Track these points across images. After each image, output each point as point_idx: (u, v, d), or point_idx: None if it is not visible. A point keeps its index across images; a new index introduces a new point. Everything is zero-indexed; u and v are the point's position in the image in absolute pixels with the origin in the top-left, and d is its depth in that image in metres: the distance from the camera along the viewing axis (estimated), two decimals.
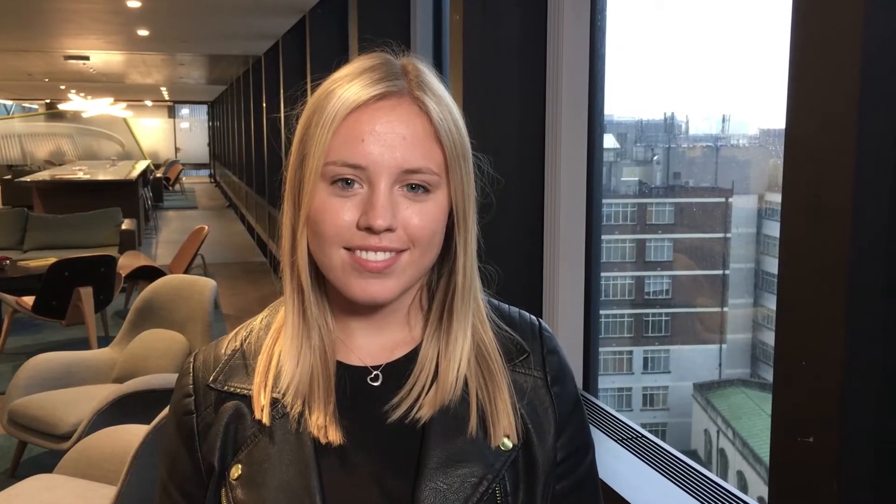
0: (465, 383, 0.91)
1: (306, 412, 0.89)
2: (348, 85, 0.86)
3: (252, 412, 0.90)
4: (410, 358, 0.93)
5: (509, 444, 0.90)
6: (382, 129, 0.85)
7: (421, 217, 0.86)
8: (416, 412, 0.89)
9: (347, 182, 0.85)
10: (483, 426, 0.90)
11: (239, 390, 0.92)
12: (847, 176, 1.16)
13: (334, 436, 0.87)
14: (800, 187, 1.25)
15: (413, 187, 0.86)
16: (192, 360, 0.98)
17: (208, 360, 0.96)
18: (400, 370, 0.92)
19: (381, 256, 0.85)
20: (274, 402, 0.90)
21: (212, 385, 0.93)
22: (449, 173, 0.88)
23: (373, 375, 0.93)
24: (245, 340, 0.96)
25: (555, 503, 0.94)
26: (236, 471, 0.89)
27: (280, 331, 0.93)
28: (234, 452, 0.90)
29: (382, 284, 0.86)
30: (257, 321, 0.97)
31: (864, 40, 1.15)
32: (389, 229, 0.84)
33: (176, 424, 0.96)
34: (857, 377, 1.18)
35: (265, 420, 0.89)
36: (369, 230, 0.84)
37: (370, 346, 0.94)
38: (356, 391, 0.91)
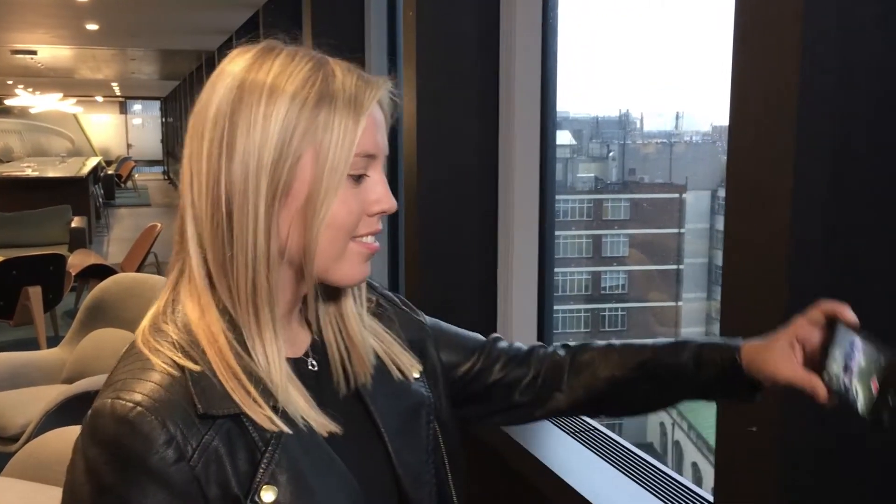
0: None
1: (300, 412, 0.86)
2: (344, 75, 0.86)
3: (247, 429, 0.82)
4: (317, 335, 0.96)
5: (417, 373, 1.01)
6: (379, 117, 0.89)
7: None
8: (354, 380, 0.95)
9: (358, 175, 0.87)
10: (398, 369, 0.99)
11: (226, 412, 0.81)
12: (787, 173, 1.19)
13: (332, 426, 0.87)
14: (742, 183, 1.28)
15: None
16: (134, 407, 0.79)
17: (160, 399, 0.80)
18: (319, 350, 0.95)
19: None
20: (273, 410, 0.83)
21: (200, 415, 0.80)
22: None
23: (311, 362, 0.94)
24: (178, 367, 0.82)
25: (465, 387, 1.09)
26: (270, 492, 0.81)
27: (214, 341, 0.84)
28: (250, 476, 0.81)
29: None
30: (171, 349, 0.84)
31: (803, 40, 1.18)
32: None
33: (161, 484, 0.78)
34: None
35: (284, 429, 0.83)
36: (380, 215, 0.89)
37: (295, 336, 0.94)
38: (305, 380, 0.90)
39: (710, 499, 1.83)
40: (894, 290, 1.27)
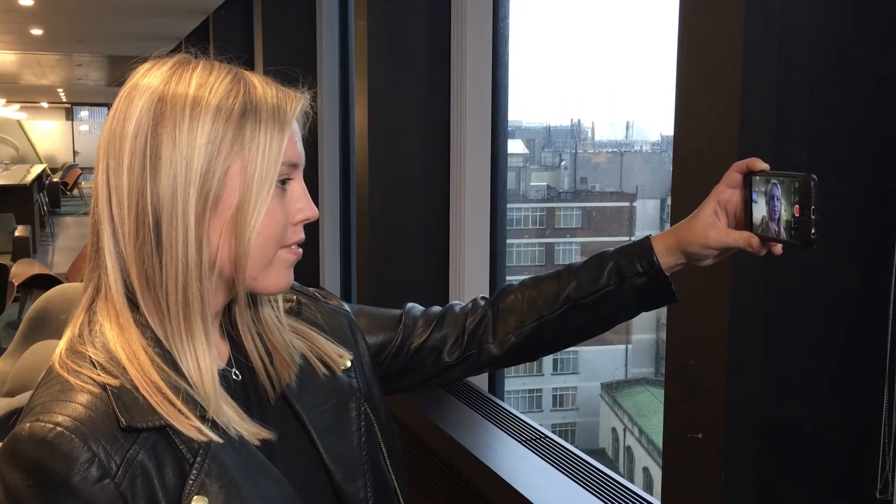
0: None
1: (230, 422, 0.85)
2: (263, 87, 0.88)
3: (174, 442, 0.81)
4: (237, 344, 0.95)
5: (348, 362, 1.01)
6: (296, 127, 0.90)
7: None
8: (279, 384, 0.94)
9: (283, 182, 0.88)
10: (324, 364, 0.98)
11: (151, 424, 0.80)
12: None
13: (265, 433, 0.87)
14: (687, 192, 1.30)
15: None
16: (53, 428, 0.77)
17: (81, 418, 0.78)
18: (240, 359, 0.95)
19: None
20: (202, 420, 0.82)
21: (124, 429, 0.78)
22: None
23: (234, 372, 0.93)
24: (98, 385, 0.81)
25: (394, 361, 1.10)
26: (200, 503, 0.80)
27: (135, 358, 0.83)
28: (179, 489, 0.80)
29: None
30: (91, 368, 0.83)
31: (744, 54, 1.20)
32: None
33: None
34: (741, 375, 1.23)
35: (214, 438, 0.82)
36: (303, 223, 0.90)
37: (217, 348, 0.93)
38: (230, 391, 0.90)
39: None
40: (829, 295, 1.30)
